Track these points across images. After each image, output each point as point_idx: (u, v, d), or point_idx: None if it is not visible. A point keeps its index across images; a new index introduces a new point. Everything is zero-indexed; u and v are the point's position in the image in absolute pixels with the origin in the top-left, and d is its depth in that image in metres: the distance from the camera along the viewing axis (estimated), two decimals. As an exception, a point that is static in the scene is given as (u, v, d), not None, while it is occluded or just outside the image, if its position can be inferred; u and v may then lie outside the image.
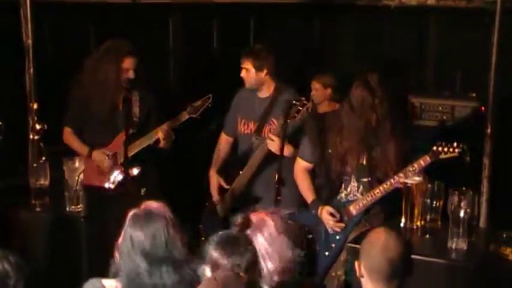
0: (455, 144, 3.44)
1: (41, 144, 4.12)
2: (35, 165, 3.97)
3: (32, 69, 4.13)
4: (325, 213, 3.69)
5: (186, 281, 2.45)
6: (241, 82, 4.34)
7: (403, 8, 6.06)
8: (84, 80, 4.19)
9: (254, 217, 2.64)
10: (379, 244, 2.41)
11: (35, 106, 4.14)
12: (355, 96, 3.61)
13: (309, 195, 3.81)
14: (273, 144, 3.90)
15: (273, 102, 4.18)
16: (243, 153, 4.29)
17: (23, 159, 4.16)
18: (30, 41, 4.10)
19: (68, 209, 3.83)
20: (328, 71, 5.45)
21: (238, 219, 2.58)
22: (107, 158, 4.15)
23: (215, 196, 4.34)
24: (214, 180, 4.34)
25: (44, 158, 4.05)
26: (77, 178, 3.82)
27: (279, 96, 4.17)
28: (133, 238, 2.46)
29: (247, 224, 2.57)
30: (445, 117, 5.39)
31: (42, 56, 4.36)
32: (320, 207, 3.73)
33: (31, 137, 4.13)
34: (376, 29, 6.32)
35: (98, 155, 4.17)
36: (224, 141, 4.44)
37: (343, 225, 3.67)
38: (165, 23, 5.86)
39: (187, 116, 4.20)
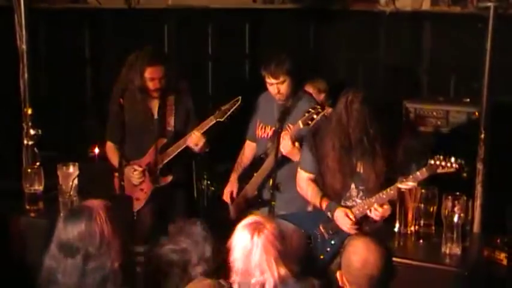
0: (453, 159, 3.39)
1: (35, 149, 4.11)
2: (29, 170, 3.97)
3: (26, 75, 4.12)
4: (344, 215, 3.64)
5: (90, 275, 2.53)
6: (236, 87, 4.35)
7: (398, 14, 6.09)
8: (116, 91, 4.19)
9: (253, 218, 2.71)
10: (358, 260, 2.39)
11: (30, 111, 4.13)
12: (335, 113, 3.60)
13: (321, 200, 3.76)
14: (284, 147, 3.92)
15: (292, 108, 4.14)
16: (258, 157, 4.27)
17: (17, 164, 4.15)
18: (24, 46, 4.09)
19: (62, 214, 3.82)
20: (323, 76, 5.46)
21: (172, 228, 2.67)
22: (134, 174, 4.19)
23: (226, 199, 4.33)
24: (233, 185, 4.32)
25: (38, 163, 4.05)
26: (71, 183, 3.81)
27: (297, 102, 4.16)
28: (56, 229, 2.61)
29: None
30: (439, 122, 5.41)
31: (36, 61, 4.36)
32: (338, 209, 3.66)
33: (25, 142, 4.13)
34: (371, 34, 6.34)
35: (128, 171, 4.21)
36: (248, 147, 4.41)
37: (355, 227, 3.66)
38: (160, 29, 5.88)
39: (214, 121, 4.14)
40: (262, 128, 4.28)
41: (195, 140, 4.14)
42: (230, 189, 4.35)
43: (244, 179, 4.31)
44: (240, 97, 4.11)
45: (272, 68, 4.04)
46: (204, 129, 4.15)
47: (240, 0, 6.42)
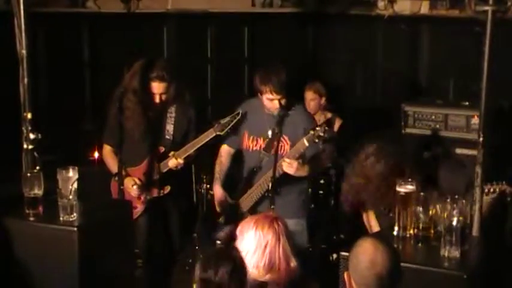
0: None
1: (35, 153, 4.11)
2: (28, 174, 3.96)
3: (26, 79, 4.11)
4: None
5: None
6: (235, 91, 4.36)
7: (396, 17, 6.10)
8: (117, 95, 4.18)
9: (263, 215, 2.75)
10: (366, 259, 2.37)
11: (29, 116, 4.13)
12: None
13: None
14: (290, 167, 3.93)
15: (283, 118, 4.12)
16: (251, 170, 4.24)
17: (16, 168, 4.15)
18: (24, 51, 4.09)
19: (61, 218, 3.82)
20: (322, 80, 5.48)
21: (222, 234, 2.65)
22: (134, 187, 4.20)
23: (219, 209, 4.28)
24: (221, 194, 4.28)
25: (37, 168, 4.05)
26: (70, 187, 3.81)
27: (288, 112, 4.15)
28: None
29: (230, 237, 2.62)
30: (438, 125, 5.42)
31: (36, 65, 4.37)
32: None
33: (25, 146, 4.13)
34: (369, 38, 6.36)
35: (128, 183, 4.21)
36: (226, 153, 4.38)
37: None
38: (160, 32, 5.89)
39: (214, 134, 4.15)
40: (253, 139, 4.24)
41: (175, 163, 4.17)
42: (222, 199, 4.26)
43: (236, 191, 4.28)
44: (240, 111, 4.11)
45: (275, 85, 4.02)
46: (204, 142, 4.16)
47: (239, 4, 6.43)
